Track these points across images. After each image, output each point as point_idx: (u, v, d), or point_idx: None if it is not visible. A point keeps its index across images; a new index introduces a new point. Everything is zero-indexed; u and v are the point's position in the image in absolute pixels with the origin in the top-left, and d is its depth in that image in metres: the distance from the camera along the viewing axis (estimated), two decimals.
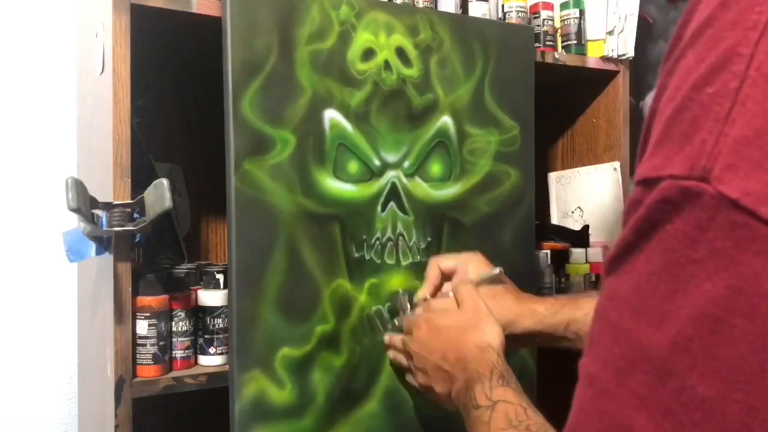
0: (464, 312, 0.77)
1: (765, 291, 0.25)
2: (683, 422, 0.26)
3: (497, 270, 0.83)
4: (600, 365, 0.31)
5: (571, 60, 1.15)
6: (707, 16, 0.29)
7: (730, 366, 0.26)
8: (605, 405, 0.30)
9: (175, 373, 0.82)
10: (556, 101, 1.31)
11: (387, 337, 0.88)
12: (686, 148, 0.27)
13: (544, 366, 1.03)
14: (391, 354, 0.88)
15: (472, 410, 0.66)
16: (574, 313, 0.80)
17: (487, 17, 1.09)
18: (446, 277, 0.86)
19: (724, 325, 0.26)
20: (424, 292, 0.86)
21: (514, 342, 0.79)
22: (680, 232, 0.27)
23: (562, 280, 1.17)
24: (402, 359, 0.85)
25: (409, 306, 0.87)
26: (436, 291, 0.86)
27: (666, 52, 0.31)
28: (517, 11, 1.11)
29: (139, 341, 0.80)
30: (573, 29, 1.16)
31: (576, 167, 1.30)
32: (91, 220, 0.77)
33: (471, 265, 0.85)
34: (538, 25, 1.14)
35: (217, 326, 0.85)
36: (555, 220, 1.33)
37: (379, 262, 0.89)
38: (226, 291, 0.84)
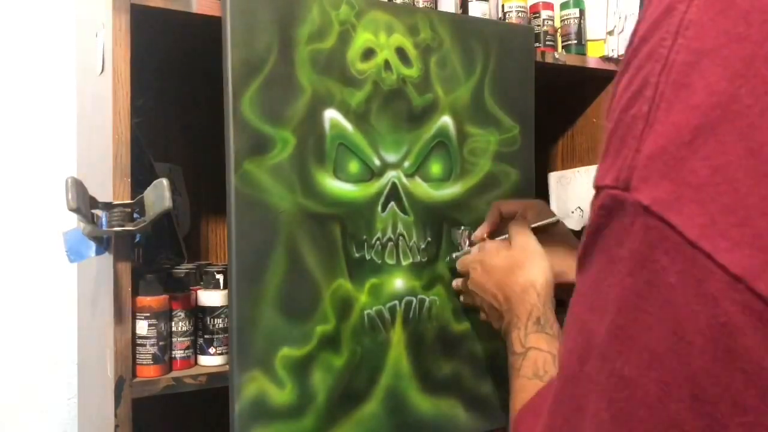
0: (513, 250, 0.81)
1: (670, 284, 0.29)
2: (614, 399, 0.31)
3: (555, 218, 0.87)
4: (567, 354, 0.36)
5: (571, 60, 1.15)
6: (634, 47, 0.34)
7: (647, 349, 0.30)
8: (572, 389, 0.35)
9: (175, 373, 0.82)
10: (556, 101, 1.31)
11: (454, 283, 0.93)
12: (617, 161, 0.32)
13: None
14: (462, 297, 0.94)
15: (510, 356, 0.72)
16: None
17: (487, 17, 1.09)
18: (506, 220, 0.89)
19: (641, 314, 0.30)
20: (482, 231, 0.91)
21: (564, 292, 0.81)
22: (613, 235, 0.32)
23: None
24: (470, 299, 0.90)
25: (467, 243, 0.93)
26: (493, 232, 0.90)
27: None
28: (517, 11, 1.11)
29: (139, 341, 0.80)
30: (573, 29, 1.16)
31: (576, 167, 1.29)
32: (91, 220, 0.77)
33: (531, 210, 0.88)
34: (538, 25, 1.14)
35: (217, 326, 0.85)
36: None
37: (379, 262, 0.89)
38: (226, 291, 0.84)
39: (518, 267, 0.79)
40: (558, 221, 0.87)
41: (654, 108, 0.31)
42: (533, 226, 0.85)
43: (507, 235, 0.85)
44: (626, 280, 0.31)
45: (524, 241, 0.81)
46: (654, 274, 0.29)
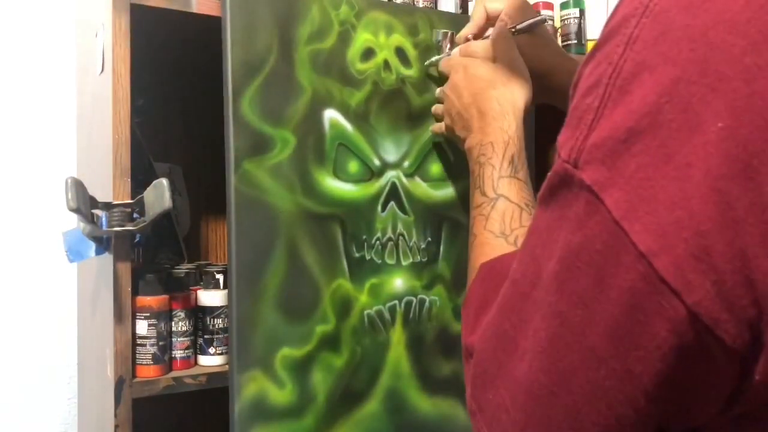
0: (499, 65, 0.79)
1: (597, 249, 0.36)
2: (551, 324, 0.39)
3: (541, 17, 0.83)
4: (520, 274, 0.44)
5: None
6: (599, 42, 0.40)
7: (575, 293, 0.38)
8: (521, 305, 0.43)
9: (175, 373, 0.82)
10: None
11: (438, 90, 0.89)
12: (571, 139, 0.39)
13: None
14: (434, 108, 0.91)
15: (478, 193, 0.74)
16: None
17: None
18: (491, 20, 0.87)
19: (574, 267, 0.38)
20: (467, 31, 0.88)
21: (539, 95, 0.81)
22: (564, 198, 0.39)
23: None
24: (437, 108, 0.89)
25: (448, 46, 0.89)
26: (480, 33, 0.88)
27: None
28: None
29: (139, 341, 0.80)
30: (573, 29, 1.16)
31: None
32: (91, 220, 0.77)
33: (514, 10, 0.86)
34: None
35: (217, 326, 0.85)
36: None
37: (379, 262, 0.89)
38: (226, 291, 0.84)
39: (502, 84, 0.77)
40: (545, 20, 0.83)
41: (602, 105, 0.37)
42: (520, 26, 0.82)
43: (488, 35, 0.82)
44: (568, 236, 0.38)
45: (510, 58, 0.79)
46: (588, 238, 0.37)
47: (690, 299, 0.33)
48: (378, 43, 0.89)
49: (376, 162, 0.89)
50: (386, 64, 0.90)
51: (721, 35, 0.34)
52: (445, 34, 0.91)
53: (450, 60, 0.86)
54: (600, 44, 0.39)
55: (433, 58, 0.91)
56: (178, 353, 0.83)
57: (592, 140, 0.37)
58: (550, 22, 0.86)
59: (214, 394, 0.83)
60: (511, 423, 0.42)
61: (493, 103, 0.76)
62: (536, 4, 1.15)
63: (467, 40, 0.87)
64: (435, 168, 0.94)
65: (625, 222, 0.35)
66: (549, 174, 0.41)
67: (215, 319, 0.85)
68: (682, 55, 0.35)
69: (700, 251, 0.33)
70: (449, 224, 0.95)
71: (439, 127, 0.89)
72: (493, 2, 0.87)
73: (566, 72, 0.83)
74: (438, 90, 0.89)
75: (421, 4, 1.01)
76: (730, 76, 0.33)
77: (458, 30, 0.91)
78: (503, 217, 0.69)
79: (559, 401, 0.39)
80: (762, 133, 0.33)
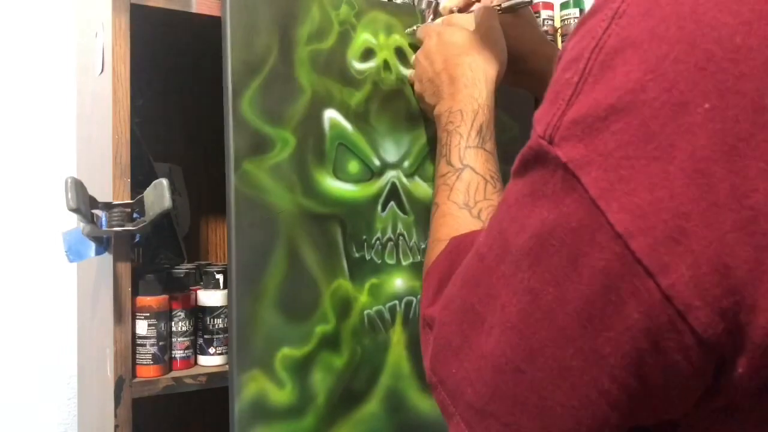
0: (475, 33, 0.78)
1: (572, 227, 0.36)
2: (521, 300, 0.39)
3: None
4: (487, 248, 0.43)
5: None
6: (583, 18, 0.38)
7: (548, 271, 0.37)
8: (488, 279, 0.42)
9: (174, 373, 0.82)
10: None
11: (413, 57, 0.88)
12: (548, 114, 0.37)
13: None
14: (408, 74, 0.89)
15: (443, 162, 0.72)
16: None
17: None
18: None
19: (548, 244, 0.37)
20: (452, 3, 0.86)
21: (516, 78, 0.80)
22: (538, 174, 0.38)
23: None
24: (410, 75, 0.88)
25: (432, 16, 0.88)
26: (467, 6, 0.86)
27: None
28: None
29: (139, 341, 0.80)
30: (573, 29, 1.16)
31: None
32: (91, 220, 0.77)
33: None
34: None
35: (216, 326, 0.85)
36: None
37: (379, 262, 0.89)
38: (226, 291, 0.84)
39: (475, 51, 0.76)
40: (531, 2, 0.83)
41: (582, 80, 0.36)
42: (506, 5, 0.81)
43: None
44: (543, 213, 0.37)
45: (488, 26, 0.77)
46: (563, 216, 0.36)
47: (664, 282, 0.33)
48: (378, 44, 0.89)
49: (376, 162, 0.89)
50: (386, 64, 0.90)
51: (711, 13, 0.33)
52: (429, 2, 0.89)
53: (427, 27, 0.85)
54: (585, 18, 0.38)
55: (414, 27, 0.90)
56: (178, 353, 0.83)
57: (570, 116, 0.36)
58: (531, 4, 0.85)
59: (214, 394, 0.83)
60: (477, 396, 0.42)
61: (465, 69, 0.75)
62: (536, 4, 1.15)
63: (451, 11, 0.86)
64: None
65: (602, 201, 0.34)
66: (523, 149, 0.40)
67: (215, 319, 0.85)
68: (669, 32, 0.33)
69: (679, 233, 0.32)
70: None
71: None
72: None
73: (545, 57, 0.83)
74: (413, 57, 0.88)
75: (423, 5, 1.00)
76: (719, 56, 0.32)
77: None
78: (468, 188, 0.68)
79: (525, 377, 0.39)
80: (749, 116, 0.32)
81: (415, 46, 0.90)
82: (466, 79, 0.75)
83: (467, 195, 0.68)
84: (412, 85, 0.90)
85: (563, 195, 0.36)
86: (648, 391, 0.36)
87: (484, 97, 0.73)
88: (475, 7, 0.83)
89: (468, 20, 0.82)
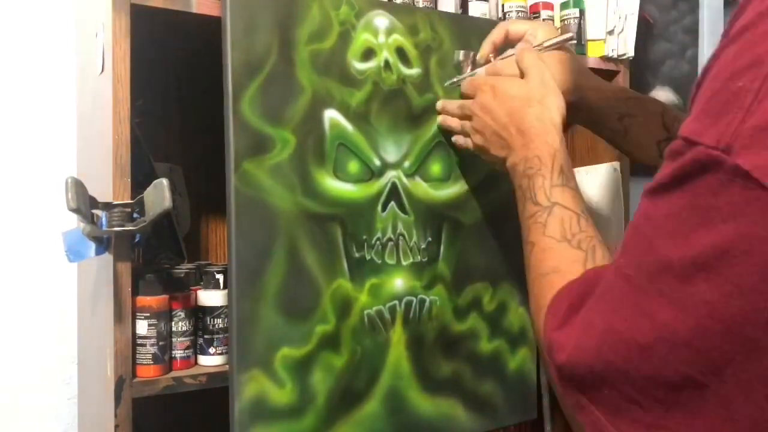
0: (531, 82, 0.78)
1: (760, 236, 0.35)
2: (692, 314, 0.37)
3: (568, 35, 0.83)
4: (634, 269, 0.42)
5: None
6: (748, 22, 0.37)
7: (731, 282, 0.36)
8: (638, 298, 0.41)
9: (175, 373, 0.82)
10: None
11: (440, 103, 0.92)
12: (717, 124, 0.36)
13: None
14: (440, 118, 0.92)
15: (530, 203, 0.72)
16: (635, 110, 0.85)
17: (487, 17, 1.09)
18: (512, 41, 0.87)
19: (729, 256, 0.36)
20: (486, 51, 0.88)
21: (569, 114, 0.80)
22: (706, 185, 0.37)
23: None
24: (454, 122, 0.89)
25: (469, 67, 0.89)
26: (497, 53, 0.88)
27: (719, 41, 0.40)
28: (517, 11, 1.11)
29: (139, 341, 0.80)
30: (573, 29, 1.16)
31: (576, 167, 1.29)
32: (91, 220, 0.77)
33: (540, 30, 0.85)
34: None
35: (217, 326, 0.85)
36: None
37: (379, 262, 0.89)
38: (226, 291, 0.84)
39: (537, 102, 0.76)
40: (572, 38, 0.83)
41: (765, 85, 0.35)
42: (548, 44, 0.82)
43: (512, 53, 0.81)
44: (721, 226, 0.36)
45: (540, 74, 0.78)
46: (747, 226, 0.35)
47: None
48: (378, 43, 0.89)
49: (377, 162, 0.89)
50: (386, 64, 0.90)
51: None
52: (467, 54, 0.91)
53: (475, 80, 0.85)
54: (747, 25, 0.37)
55: (455, 79, 0.92)
56: (178, 353, 0.83)
57: (753, 123, 0.35)
58: (573, 41, 0.86)
59: (214, 394, 0.83)
60: (644, 412, 0.41)
61: (533, 120, 0.75)
62: (536, 4, 1.15)
63: (488, 60, 0.87)
64: (435, 168, 0.94)
65: None
66: (672, 163, 0.39)
67: (215, 319, 0.85)
68: None
69: None
70: (450, 224, 0.95)
71: (465, 142, 0.87)
72: (516, 24, 0.89)
73: (594, 88, 0.83)
74: (456, 104, 0.88)
75: (421, 4, 1.01)
76: None
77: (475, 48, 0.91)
78: (562, 223, 0.68)
79: (710, 393, 0.38)
80: None
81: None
82: (536, 129, 0.75)
83: (563, 228, 0.67)
84: (439, 112, 0.92)
85: (744, 205, 0.35)
86: None
87: (557, 142, 0.74)
88: (517, 49, 0.83)
89: (512, 66, 0.81)
